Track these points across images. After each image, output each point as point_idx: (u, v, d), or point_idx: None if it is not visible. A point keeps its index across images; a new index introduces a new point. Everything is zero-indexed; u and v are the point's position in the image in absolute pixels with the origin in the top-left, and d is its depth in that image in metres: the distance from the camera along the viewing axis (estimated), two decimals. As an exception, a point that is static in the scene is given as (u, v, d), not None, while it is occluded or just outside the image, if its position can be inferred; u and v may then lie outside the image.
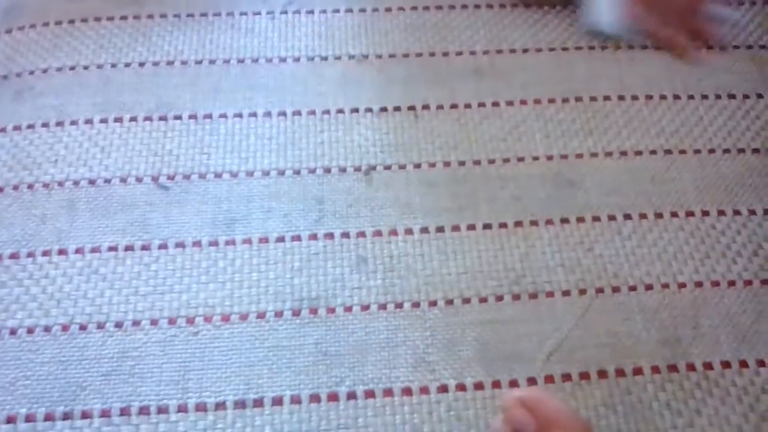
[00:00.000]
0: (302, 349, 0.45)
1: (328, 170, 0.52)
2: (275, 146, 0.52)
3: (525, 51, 0.58)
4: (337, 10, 0.59)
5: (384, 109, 0.54)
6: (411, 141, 0.53)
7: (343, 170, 0.52)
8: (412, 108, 0.55)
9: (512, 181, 0.51)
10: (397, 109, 0.54)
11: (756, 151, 0.53)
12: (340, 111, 0.54)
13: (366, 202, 0.50)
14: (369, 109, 0.54)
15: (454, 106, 0.55)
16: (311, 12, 0.59)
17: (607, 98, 0.55)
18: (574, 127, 0.54)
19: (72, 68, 0.55)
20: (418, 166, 0.52)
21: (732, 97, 0.56)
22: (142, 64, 0.56)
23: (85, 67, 0.55)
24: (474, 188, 0.51)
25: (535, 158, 0.52)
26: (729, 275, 0.48)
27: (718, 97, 0.56)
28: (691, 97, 0.55)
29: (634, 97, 0.55)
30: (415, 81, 0.56)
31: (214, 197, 0.50)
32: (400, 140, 0.53)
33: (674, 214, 0.50)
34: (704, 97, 0.56)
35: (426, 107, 0.55)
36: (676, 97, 0.55)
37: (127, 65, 0.56)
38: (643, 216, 0.50)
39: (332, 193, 0.50)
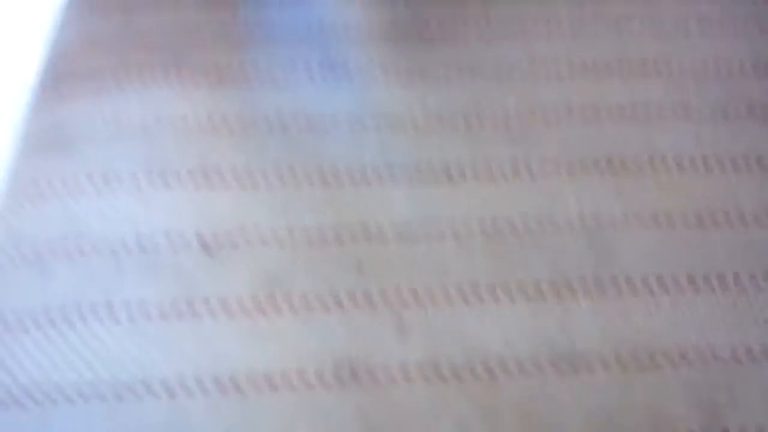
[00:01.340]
0: (342, 416, 0.46)
1: (367, 232, 0.53)
2: (316, 206, 0.54)
3: (557, 113, 0.59)
4: (374, 72, 0.60)
5: (420, 172, 0.56)
6: (447, 206, 0.54)
7: (382, 233, 0.53)
8: (447, 173, 0.56)
9: (548, 247, 0.52)
10: (433, 172, 0.56)
11: (786, 218, 0.54)
12: (379, 174, 0.56)
13: (406, 266, 0.51)
14: (407, 171, 0.56)
15: (488, 171, 0.56)
16: (348, 74, 0.60)
17: (638, 162, 0.57)
18: (607, 192, 0.55)
19: (117, 124, 0.57)
20: (454, 230, 0.53)
21: (762, 164, 0.57)
22: (185, 121, 0.57)
23: (130, 124, 0.57)
24: (510, 254, 0.52)
25: (570, 224, 0.54)
26: (764, 342, 0.49)
27: (749, 164, 0.57)
28: (721, 163, 0.57)
29: (664, 162, 0.57)
30: (449, 145, 0.57)
31: (257, 257, 0.51)
32: (437, 205, 0.54)
33: (707, 280, 0.51)
34: (734, 163, 0.57)
35: (461, 172, 0.56)
36: (707, 163, 0.57)
37: (171, 123, 0.57)
38: (675, 281, 0.51)
39: (372, 256, 0.52)
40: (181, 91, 0.59)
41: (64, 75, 0.62)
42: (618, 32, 0.65)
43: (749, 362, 0.48)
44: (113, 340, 0.48)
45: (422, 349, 0.48)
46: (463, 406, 0.46)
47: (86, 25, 0.65)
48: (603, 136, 0.58)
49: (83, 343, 0.48)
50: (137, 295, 0.49)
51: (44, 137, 0.58)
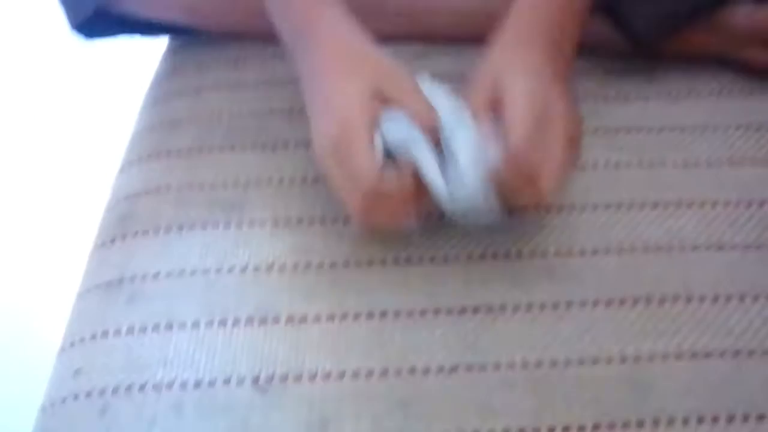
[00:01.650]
0: None
1: (412, 371, 0.55)
2: (364, 347, 0.57)
3: (594, 253, 0.62)
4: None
5: (464, 310, 0.59)
6: (490, 342, 0.57)
7: (427, 371, 0.55)
8: (490, 309, 0.59)
9: (589, 382, 0.54)
10: (476, 310, 0.59)
11: (823, 353, 0.55)
12: (423, 312, 0.59)
13: (449, 403, 0.53)
14: (450, 311, 0.59)
15: (529, 307, 0.59)
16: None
17: (675, 300, 0.58)
18: (645, 329, 0.57)
19: (180, 273, 0.61)
20: (497, 366, 0.55)
21: (797, 297, 0.58)
22: (243, 269, 0.61)
23: (192, 273, 0.61)
24: (552, 390, 0.54)
25: (609, 360, 0.55)
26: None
27: (783, 298, 0.58)
28: (756, 298, 0.58)
29: (701, 299, 0.58)
30: (492, 282, 0.60)
31: (308, 399, 0.54)
32: (480, 341, 0.57)
33: (745, 418, 0.52)
34: (769, 297, 0.59)
35: (503, 308, 0.59)
36: (742, 298, 0.58)
37: (230, 270, 0.61)
38: (715, 419, 0.52)
39: (416, 394, 0.54)
40: (240, 239, 0.64)
41: (127, 223, 0.67)
42: (652, 172, 0.68)
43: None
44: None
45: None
46: None
47: (149, 173, 0.71)
48: (640, 274, 0.60)
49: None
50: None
51: (110, 284, 0.62)
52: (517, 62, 0.60)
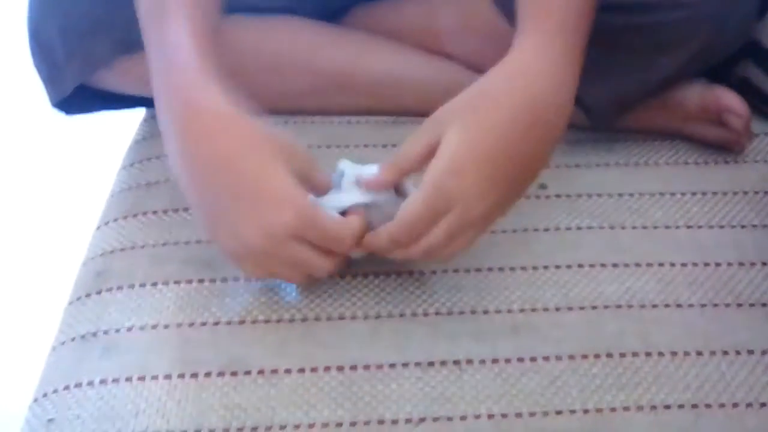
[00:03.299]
0: None
1: (381, 422, 0.56)
2: (333, 399, 0.58)
3: (557, 309, 0.64)
4: (389, 274, 0.66)
5: (431, 364, 0.60)
6: (457, 394, 0.58)
7: (395, 422, 0.56)
8: (457, 362, 0.60)
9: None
10: (443, 363, 0.60)
11: (777, 405, 0.57)
12: (392, 365, 0.60)
13: (417, 454, 0.55)
14: (418, 364, 0.60)
15: (495, 361, 0.60)
16: (367, 275, 0.66)
17: (635, 354, 0.60)
18: (607, 383, 0.59)
19: (154, 327, 0.62)
20: (464, 418, 0.57)
21: (751, 353, 0.61)
22: (216, 323, 0.62)
23: (165, 326, 0.62)
24: (517, 440, 0.55)
25: (572, 412, 0.57)
26: None
27: (738, 353, 0.61)
28: (712, 353, 0.61)
29: (660, 354, 0.61)
30: (459, 337, 0.62)
31: (279, 448, 0.55)
32: (447, 393, 0.58)
33: (705, 467, 0.54)
34: (725, 353, 0.61)
35: (470, 362, 0.60)
36: (699, 353, 0.61)
37: (203, 324, 0.62)
38: (675, 469, 0.54)
39: (386, 445, 0.55)
40: (214, 294, 0.65)
41: (103, 278, 0.68)
42: (612, 235, 0.71)
43: None
44: None
45: None
46: None
47: (125, 231, 0.72)
48: (601, 330, 0.62)
49: None
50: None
51: (84, 337, 0.63)
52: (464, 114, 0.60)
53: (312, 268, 0.60)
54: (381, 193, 0.62)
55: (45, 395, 0.60)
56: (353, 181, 0.62)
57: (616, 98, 0.76)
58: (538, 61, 0.61)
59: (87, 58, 0.78)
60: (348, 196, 0.62)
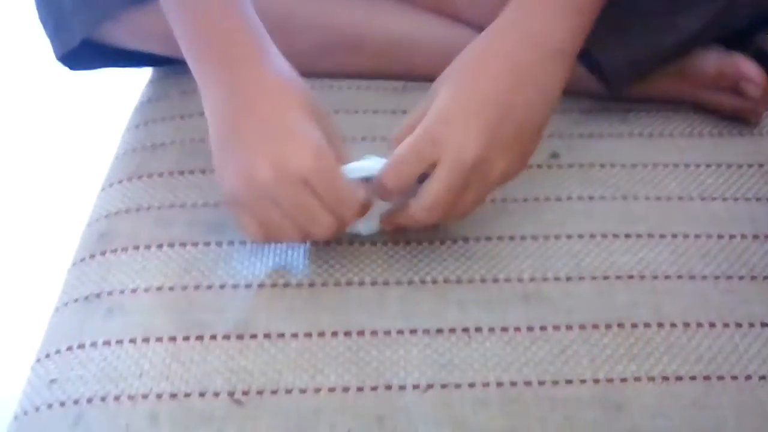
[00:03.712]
0: None
1: (388, 387, 0.56)
2: (340, 364, 0.57)
3: (569, 279, 0.63)
4: (397, 242, 0.65)
5: (440, 331, 0.59)
6: (465, 362, 0.57)
7: (403, 388, 0.56)
8: (465, 330, 0.59)
9: (562, 402, 0.55)
10: (452, 330, 0.59)
11: (791, 378, 0.57)
12: (400, 332, 0.59)
13: (424, 420, 0.54)
14: (426, 331, 0.59)
15: (504, 329, 0.59)
16: (375, 242, 0.65)
17: (647, 325, 0.60)
18: (618, 353, 0.58)
19: (159, 289, 0.62)
20: (472, 385, 0.56)
21: (765, 325, 0.60)
22: (222, 287, 0.62)
23: (171, 288, 0.62)
24: (526, 409, 0.54)
25: (583, 381, 0.56)
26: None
27: (752, 325, 0.60)
28: (725, 325, 0.60)
29: (673, 325, 0.60)
30: (468, 305, 0.61)
31: (284, 412, 0.54)
32: (456, 360, 0.57)
33: (716, 440, 0.53)
34: (738, 325, 0.60)
35: (479, 330, 0.59)
36: (712, 325, 0.60)
37: (209, 287, 0.62)
38: (686, 441, 0.53)
39: (392, 410, 0.54)
40: (220, 257, 0.64)
41: (107, 240, 0.67)
42: (625, 205, 0.69)
43: None
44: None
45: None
46: None
47: (130, 192, 0.71)
48: (613, 300, 0.62)
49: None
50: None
51: (88, 298, 0.62)
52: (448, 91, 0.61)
53: (313, 222, 0.58)
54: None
55: (47, 356, 0.59)
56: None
57: (631, 63, 0.74)
58: (525, 24, 0.62)
59: (94, 9, 0.76)
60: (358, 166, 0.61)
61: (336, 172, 0.58)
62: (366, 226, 0.64)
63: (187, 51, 0.64)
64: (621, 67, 0.75)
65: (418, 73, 0.82)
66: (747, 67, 0.76)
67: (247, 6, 0.63)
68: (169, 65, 0.85)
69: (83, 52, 0.81)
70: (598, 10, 0.63)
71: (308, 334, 0.59)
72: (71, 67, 0.84)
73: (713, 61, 0.77)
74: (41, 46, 0.83)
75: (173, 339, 0.58)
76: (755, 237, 0.67)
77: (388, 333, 0.59)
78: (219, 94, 0.62)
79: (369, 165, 0.60)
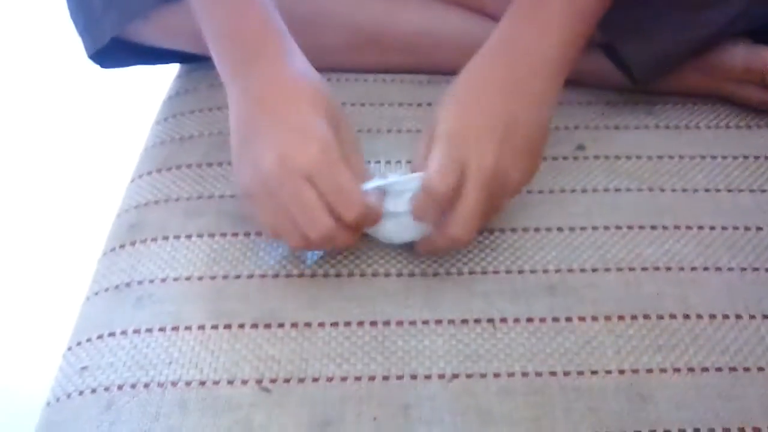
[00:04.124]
0: None
1: (414, 377, 0.56)
2: (366, 353, 0.58)
3: (594, 270, 0.63)
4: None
5: (465, 321, 0.60)
6: (491, 352, 0.58)
7: (428, 377, 0.56)
8: (490, 320, 0.60)
9: (587, 392, 0.55)
10: (477, 321, 0.60)
11: (817, 370, 0.56)
12: (425, 322, 0.60)
13: (449, 409, 0.54)
14: (451, 321, 0.60)
15: (530, 320, 0.60)
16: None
17: (673, 316, 0.60)
18: (643, 344, 0.58)
19: (188, 278, 0.62)
20: (497, 375, 0.56)
21: (792, 317, 0.60)
22: (250, 276, 0.62)
23: (200, 278, 0.62)
24: (551, 399, 0.55)
25: (608, 372, 0.56)
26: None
27: (779, 317, 0.60)
28: (752, 316, 0.60)
29: (699, 316, 0.60)
30: (493, 296, 0.61)
31: (311, 400, 0.55)
32: (481, 350, 0.58)
33: (741, 430, 0.53)
34: (765, 317, 0.60)
35: (504, 320, 0.60)
36: (738, 316, 0.60)
37: (237, 277, 0.62)
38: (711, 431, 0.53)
39: (417, 399, 0.55)
40: (248, 247, 0.65)
41: (136, 230, 0.68)
42: (652, 197, 0.69)
43: None
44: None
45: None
46: None
47: (159, 184, 0.72)
48: (639, 291, 0.62)
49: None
50: (199, 432, 0.53)
51: (118, 287, 0.63)
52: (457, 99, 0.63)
53: (310, 222, 0.57)
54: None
55: (79, 344, 0.60)
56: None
57: (658, 56, 0.74)
58: (520, 40, 0.64)
59: (124, 7, 0.77)
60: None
61: (340, 167, 0.58)
62: (391, 233, 0.64)
63: (212, 49, 0.65)
64: (647, 63, 0.75)
65: (444, 69, 0.83)
66: None
67: (269, 5, 0.64)
68: (197, 62, 0.86)
69: (113, 50, 0.82)
70: (597, 15, 0.65)
71: (335, 324, 0.59)
72: (102, 65, 0.85)
73: (740, 54, 0.77)
74: (73, 42, 0.84)
75: (202, 327, 0.59)
76: (781, 227, 0.67)
77: (413, 323, 0.59)
78: (238, 92, 0.63)
79: (391, 181, 0.61)
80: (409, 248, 0.65)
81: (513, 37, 0.65)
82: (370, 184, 0.61)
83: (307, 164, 0.57)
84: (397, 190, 0.61)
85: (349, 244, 0.61)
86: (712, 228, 0.66)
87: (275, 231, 0.60)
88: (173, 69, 0.90)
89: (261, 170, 0.58)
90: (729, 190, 0.70)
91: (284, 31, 0.64)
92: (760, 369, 0.56)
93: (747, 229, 0.66)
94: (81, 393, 0.56)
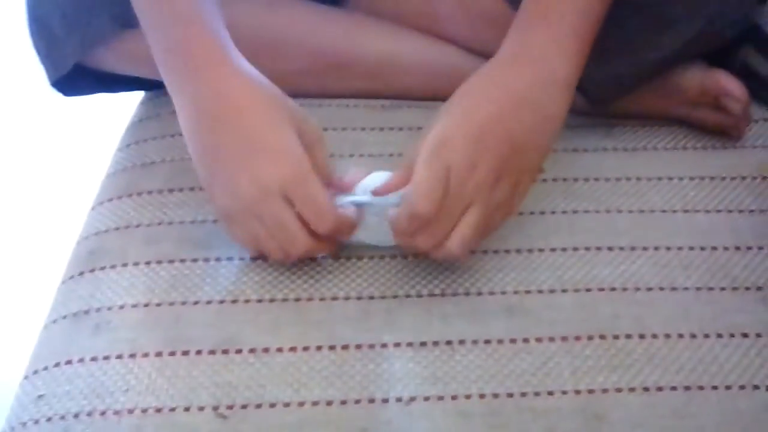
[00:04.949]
0: None
1: (371, 401, 0.56)
2: (324, 378, 0.58)
3: (552, 291, 0.64)
4: (383, 257, 0.66)
5: (423, 344, 0.60)
6: (448, 374, 0.58)
7: (385, 401, 0.56)
8: (449, 342, 0.60)
9: (543, 413, 0.55)
10: (435, 343, 0.60)
11: (770, 388, 0.57)
12: (384, 345, 0.60)
13: (407, 431, 0.55)
14: (410, 344, 0.60)
15: (487, 342, 0.60)
16: (361, 257, 0.66)
17: (628, 337, 0.60)
18: (599, 364, 0.58)
19: (146, 305, 0.62)
20: (455, 397, 0.56)
21: (745, 336, 0.60)
22: (209, 302, 0.62)
23: (158, 305, 0.62)
24: (508, 420, 0.55)
25: (564, 392, 0.57)
26: None
27: (732, 336, 0.60)
28: (707, 335, 0.60)
29: (654, 336, 0.60)
30: (452, 318, 0.62)
31: (268, 426, 0.55)
32: (439, 373, 0.58)
33: (696, 449, 0.54)
34: (719, 335, 0.60)
35: (462, 342, 0.60)
36: (693, 336, 0.60)
37: (195, 303, 0.62)
38: (666, 450, 0.53)
39: (375, 423, 0.55)
40: (207, 274, 0.65)
41: (96, 257, 0.68)
42: (608, 219, 0.70)
43: None
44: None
45: None
46: None
47: (119, 211, 0.72)
48: (595, 312, 0.62)
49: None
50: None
51: (77, 315, 0.63)
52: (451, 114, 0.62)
53: (290, 238, 0.59)
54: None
55: (36, 372, 0.60)
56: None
57: (614, 79, 0.75)
58: (525, 52, 0.64)
59: (85, 33, 0.78)
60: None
61: (311, 180, 0.59)
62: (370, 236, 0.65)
63: (160, 65, 0.65)
64: (604, 84, 0.76)
65: (407, 94, 0.84)
66: (729, 82, 0.77)
67: (216, 22, 0.64)
68: (160, 89, 0.86)
69: (76, 78, 0.82)
70: (595, 34, 0.65)
71: (293, 349, 0.59)
72: (65, 93, 0.85)
73: (696, 77, 0.78)
74: (35, 69, 0.84)
75: (159, 354, 0.59)
76: (737, 248, 0.68)
77: (372, 347, 0.60)
78: (188, 102, 0.63)
79: (370, 201, 0.63)
80: (368, 270, 0.65)
81: (522, 51, 0.64)
82: (349, 199, 0.62)
83: (281, 184, 0.58)
84: (375, 206, 0.62)
85: (329, 252, 0.64)
86: (668, 248, 0.67)
87: (258, 249, 0.62)
88: (138, 96, 0.91)
89: (236, 193, 0.59)
90: (685, 211, 0.71)
91: (231, 45, 0.64)
92: (714, 387, 0.57)
93: (702, 249, 0.67)
94: (36, 422, 0.56)
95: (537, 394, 0.57)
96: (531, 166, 0.63)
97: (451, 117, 0.61)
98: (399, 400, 0.56)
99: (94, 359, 0.59)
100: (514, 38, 0.65)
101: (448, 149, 0.58)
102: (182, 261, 0.66)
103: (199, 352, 0.59)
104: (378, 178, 0.63)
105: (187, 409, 0.55)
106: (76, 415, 0.55)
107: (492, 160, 0.59)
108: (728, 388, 0.57)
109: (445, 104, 0.63)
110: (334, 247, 0.64)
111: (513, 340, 0.60)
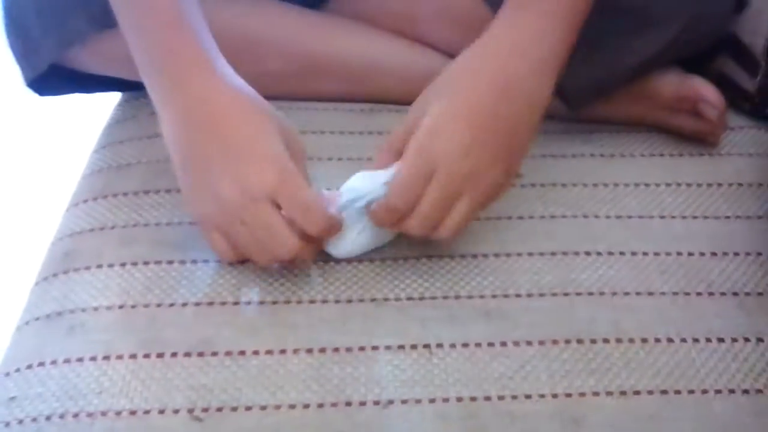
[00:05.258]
0: None
1: (349, 404, 0.56)
2: (301, 381, 0.57)
3: (529, 295, 0.64)
4: (361, 260, 0.65)
5: (401, 347, 0.60)
6: (426, 377, 0.58)
7: (363, 404, 0.56)
8: (427, 346, 0.60)
9: (521, 417, 0.55)
10: (413, 346, 0.60)
11: (746, 392, 0.57)
12: (362, 348, 0.59)
13: (385, 436, 0.54)
14: (388, 347, 0.60)
15: (465, 345, 0.60)
16: (339, 261, 0.65)
17: (606, 341, 0.60)
18: (576, 368, 0.58)
19: (121, 307, 0.62)
20: (432, 400, 0.56)
21: (721, 340, 0.61)
22: (184, 304, 0.62)
23: (133, 306, 0.62)
24: (485, 423, 0.55)
25: (542, 396, 0.57)
26: None
27: (708, 340, 0.61)
28: (683, 340, 0.61)
29: (631, 340, 0.60)
30: (430, 321, 0.61)
31: (244, 429, 0.54)
32: (416, 376, 0.58)
33: (673, 452, 0.54)
34: (695, 340, 0.61)
35: (440, 345, 0.60)
36: (670, 340, 0.60)
37: (171, 305, 0.62)
38: (643, 454, 0.54)
39: (352, 427, 0.54)
40: (183, 276, 0.64)
41: (70, 259, 0.67)
42: (586, 224, 0.70)
43: None
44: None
45: None
46: None
47: (94, 212, 0.71)
48: (573, 316, 0.62)
49: None
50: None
51: (50, 317, 0.62)
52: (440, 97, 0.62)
53: (277, 243, 0.59)
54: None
55: (8, 374, 0.59)
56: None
57: (591, 83, 0.76)
58: (514, 36, 0.63)
59: (62, 33, 0.77)
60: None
61: (299, 183, 0.59)
62: (340, 248, 0.65)
63: (143, 73, 0.64)
64: (581, 88, 0.76)
65: (385, 98, 0.84)
66: (705, 89, 0.78)
67: (200, 27, 0.64)
68: (138, 90, 0.85)
69: (52, 78, 0.81)
70: (581, 24, 0.65)
71: (269, 352, 0.59)
72: (40, 93, 0.84)
73: (673, 83, 0.79)
74: (10, 69, 0.83)
75: (134, 356, 0.58)
76: (713, 254, 0.68)
77: (350, 350, 0.59)
78: (173, 112, 0.62)
79: (362, 185, 0.62)
80: (346, 274, 0.65)
81: (509, 33, 0.64)
82: (350, 191, 0.63)
83: (269, 189, 0.58)
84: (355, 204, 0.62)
85: (312, 256, 0.63)
86: (645, 254, 0.68)
87: (239, 256, 0.63)
88: (115, 97, 0.90)
89: (221, 200, 0.59)
90: (661, 217, 0.71)
91: (216, 51, 0.63)
92: (691, 392, 0.57)
93: (678, 254, 0.68)
94: (8, 424, 0.55)
95: (515, 397, 0.56)
96: (521, 148, 0.63)
97: (440, 104, 0.61)
98: (377, 403, 0.56)
99: (67, 361, 0.58)
100: (502, 20, 0.65)
101: (441, 139, 0.59)
102: (158, 263, 0.65)
103: (174, 355, 0.58)
104: (362, 178, 0.63)
105: (161, 412, 0.55)
106: (48, 418, 0.55)
107: (484, 147, 0.59)
108: (704, 392, 0.57)
109: (433, 86, 0.63)
110: (320, 248, 0.64)
111: (491, 344, 0.60)
